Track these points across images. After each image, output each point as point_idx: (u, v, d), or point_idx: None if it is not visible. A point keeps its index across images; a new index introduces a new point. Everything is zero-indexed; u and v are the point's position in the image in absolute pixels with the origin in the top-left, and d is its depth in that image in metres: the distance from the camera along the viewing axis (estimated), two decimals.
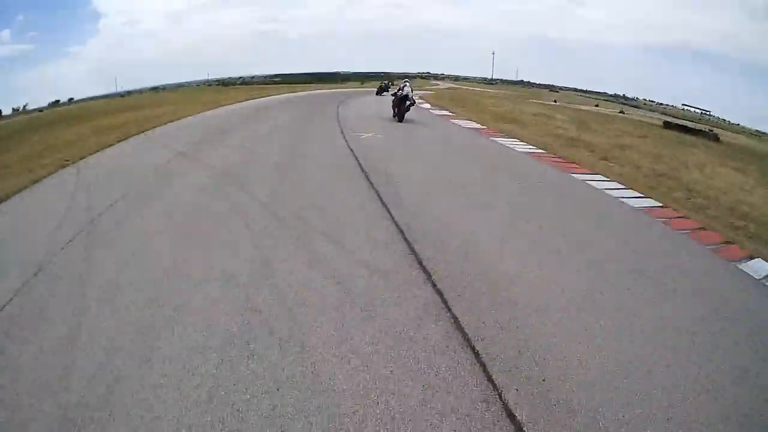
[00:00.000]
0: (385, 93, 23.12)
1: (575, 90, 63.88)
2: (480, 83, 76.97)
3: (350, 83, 56.76)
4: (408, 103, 11.68)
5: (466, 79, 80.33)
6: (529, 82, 74.42)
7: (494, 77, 75.65)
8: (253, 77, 66.99)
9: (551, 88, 66.68)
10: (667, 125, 23.55)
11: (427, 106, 19.51)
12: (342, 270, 3.47)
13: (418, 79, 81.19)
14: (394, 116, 12.06)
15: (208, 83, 60.72)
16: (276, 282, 3.27)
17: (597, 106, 42.10)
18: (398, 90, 12.13)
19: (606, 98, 58.15)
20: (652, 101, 58.26)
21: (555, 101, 41.08)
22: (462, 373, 2.36)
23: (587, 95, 57.59)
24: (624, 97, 61.72)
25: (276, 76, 65.53)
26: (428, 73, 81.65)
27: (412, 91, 11.95)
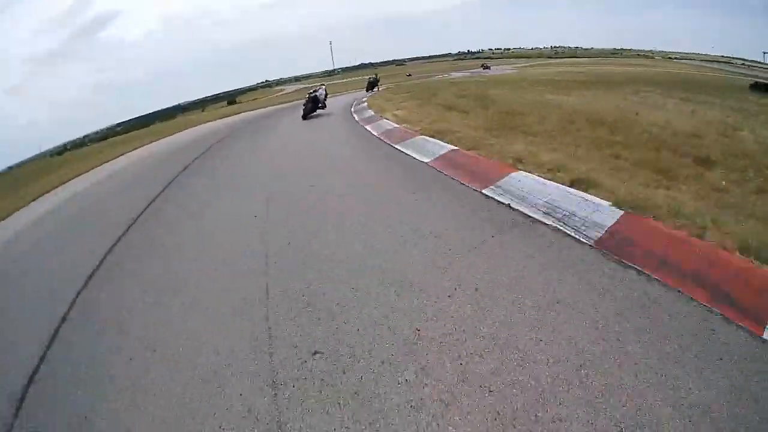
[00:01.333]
0: (376, 88, 20.12)
1: (418, 59, 65.92)
2: (321, 77, 73.15)
3: (189, 114, 45.16)
4: (319, 105, 12.99)
5: (307, 77, 76.12)
6: (370, 63, 73.81)
7: (335, 67, 72.90)
8: (96, 132, 61.54)
9: (397, 63, 67.32)
10: None
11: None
12: None
13: (259, 89, 72.50)
14: (303, 115, 12.52)
15: (42, 156, 47.67)
16: None
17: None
18: (313, 91, 13.42)
19: (456, 57, 61.38)
20: (500, 49, 63.76)
21: (410, 75, 38.86)
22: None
23: (434, 60, 59.76)
24: (469, 52, 66.52)
25: (118, 125, 62.53)
26: (266, 81, 74.12)
27: (325, 96, 13.47)
